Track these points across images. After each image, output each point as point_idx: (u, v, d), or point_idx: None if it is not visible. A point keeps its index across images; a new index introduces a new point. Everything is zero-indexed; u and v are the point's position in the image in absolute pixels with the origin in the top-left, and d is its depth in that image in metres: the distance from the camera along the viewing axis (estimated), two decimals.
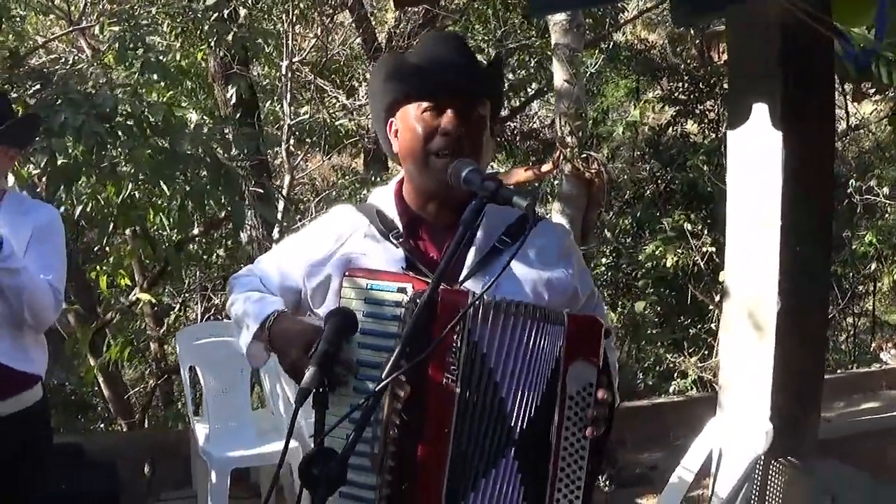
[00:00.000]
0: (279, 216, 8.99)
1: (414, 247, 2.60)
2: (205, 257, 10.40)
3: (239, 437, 6.61)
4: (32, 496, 4.12)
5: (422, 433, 2.35)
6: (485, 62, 2.80)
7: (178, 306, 11.15)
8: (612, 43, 13.81)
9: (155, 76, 7.31)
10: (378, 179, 10.51)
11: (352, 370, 2.37)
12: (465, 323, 2.35)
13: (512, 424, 2.38)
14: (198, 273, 10.84)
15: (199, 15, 8.07)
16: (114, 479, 7.11)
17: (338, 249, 2.62)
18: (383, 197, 2.71)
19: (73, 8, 9.44)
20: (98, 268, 8.17)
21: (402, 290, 2.40)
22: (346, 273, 2.48)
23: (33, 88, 6.68)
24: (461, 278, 2.53)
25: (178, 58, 8.82)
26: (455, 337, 2.35)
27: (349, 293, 2.45)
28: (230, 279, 2.96)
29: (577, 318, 2.45)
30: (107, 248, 8.37)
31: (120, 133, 6.37)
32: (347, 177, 12.62)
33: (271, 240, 8.88)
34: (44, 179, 6.71)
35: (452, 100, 2.52)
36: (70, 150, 6.28)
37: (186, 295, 11.25)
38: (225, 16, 8.66)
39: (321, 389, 2.21)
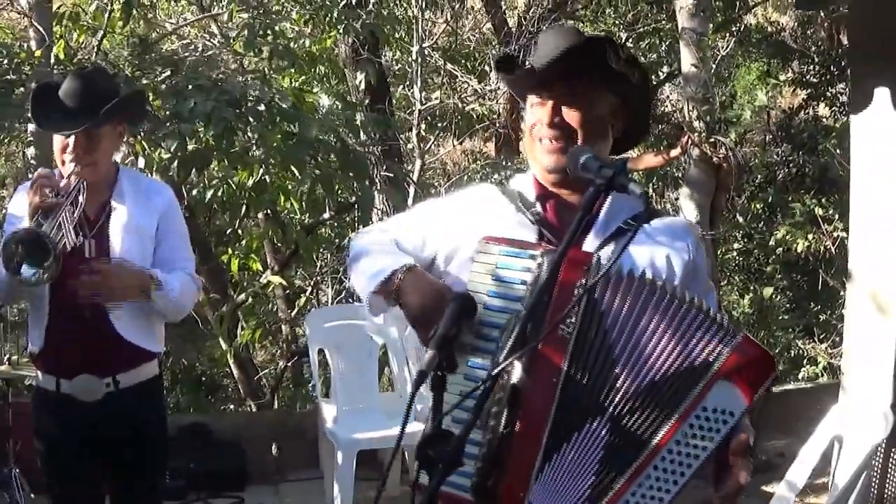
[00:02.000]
0: (409, 201, 9.05)
1: (547, 222, 2.63)
2: (336, 241, 10.51)
3: (366, 418, 6.67)
4: (157, 473, 4.24)
5: (526, 394, 2.35)
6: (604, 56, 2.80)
7: (308, 289, 11.28)
8: (742, 26, 13.57)
9: (284, 62, 7.41)
10: (509, 163, 10.51)
11: (467, 353, 2.37)
12: (586, 283, 2.36)
13: (614, 398, 2.34)
14: (329, 256, 10.96)
15: (328, 2, 8.13)
16: (241, 459, 7.26)
17: (474, 219, 2.65)
18: (524, 180, 2.78)
19: None
20: (230, 251, 8.32)
21: (532, 257, 2.43)
22: (482, 240, 2.51)
23: (163, 75, 6.81)
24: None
25: (307, 44, 8.91)
26: (574, 300, 2.35)
27: (482, 258, 2.48)
28: (356, 234, 3.00)
29: (755, 345, 2.39)
30: (238, 232, 8.52)
31: (250, 118, 6.46)
32: (478, 161, 12.65)
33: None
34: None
35: (555, 92, 2.60)
36: (201, 136, 6.40)
37: (318, 278, 11.38)
38: (354, 2, 8.73)
39: (439, 372, 2.24)
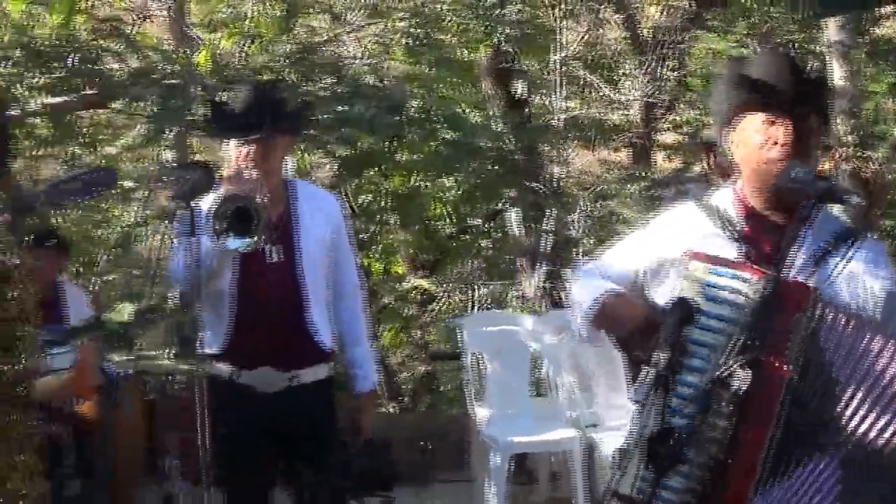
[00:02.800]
0: (548, 210, 9.10)
1: (751, 241, 2.68)
2: (477, 246, 10.58)
3: (517, 423, 6.73)
4: (333, 469, 4.35)
5: (749, 414, 2.41)
6: (813, 76, 2.87)
7: (445, 294, 11.35)
8: (872, 38, 13.35)
9: (444, 71, 7.51)
10: (644, 174, 10.49)
11: (687, 356, 2.45)
12: (811, 317, 2.43)
13: (841, 430, 2.42)
14: (471, 262, 11.02)
15: (483, 12, 8.21)
16: (389, 460, 7.36)
17: (678, 241, 2.72)
18: (724, 197, 2.82)
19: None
20: (370, 255, 8.45)
21: (740, 278, 2.49)
22: (688, 256, 2.58)
23: (326, 81, 6.95)
24: (792, 273, 2.59)
25: (459, 53, 9.01)
26: (797, 329, 2.42)
27: (689, 276, 2.55)
28: (574, 268, 3.12)
29: None
30: (378, 237, 8.65)
31: (410, 125, 6.58)
32: (613, 172, 12.64)
33: (539, 232, 9.00)
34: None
35: (787, 114, 2.65)
36: (361, 142, 6.54)
37: (454, 283, 11.44)
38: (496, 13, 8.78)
39: (665, 374, 2.33)
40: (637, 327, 2.57)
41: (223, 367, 4.13)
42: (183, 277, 3.95)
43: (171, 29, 11.16)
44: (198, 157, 7.34)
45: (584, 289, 2.82)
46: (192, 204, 3.48)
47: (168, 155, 12.28)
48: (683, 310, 2.44)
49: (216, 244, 3.81)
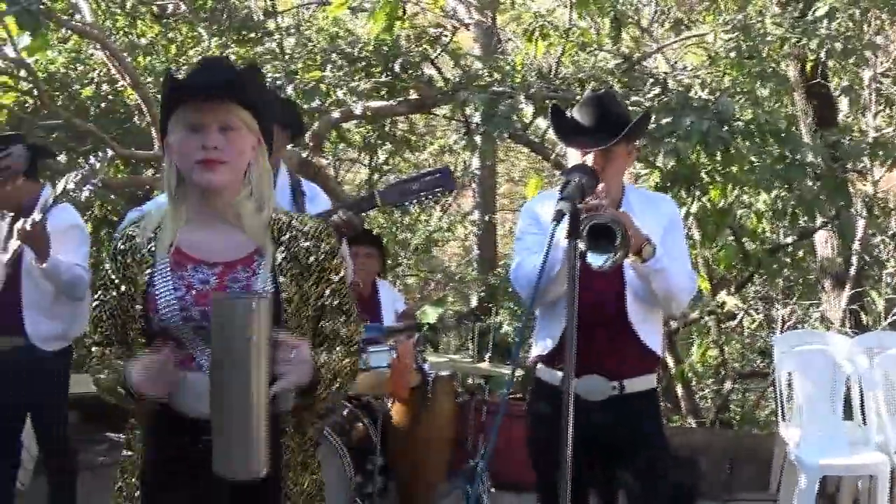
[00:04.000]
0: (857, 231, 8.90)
1: None
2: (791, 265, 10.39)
3: (827, 445, 6.56)
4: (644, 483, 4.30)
5: None
6: None
7: (744, 312, 11.22)
8: None
9: (768, 83, 7.43)
10: None
11: None
12: None
13: None
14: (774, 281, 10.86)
15: (805, 26, 8.04)
16: (696, 474, 7.32)
17: None
18: None
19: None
20: None
21: None
22: None
23: (652, 92, 6.97)
24: None
25: (779, 67, 8.89)
26: None
27: None
28: None
29: None
30: None
31: (739, 138, 6.54)
32: None
33: (848, 253, 8.80)
34: None
35: None
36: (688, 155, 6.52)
37: (755, 301, 11.29)
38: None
39: None
40: None
41: (550, 373, 4.15)
42: (532, 282, 4.02)
43: (485, 37, 11.48)
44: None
45: None
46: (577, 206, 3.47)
47: (475, 161, 12.65)
48: None
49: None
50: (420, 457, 6.25)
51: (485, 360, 6.50)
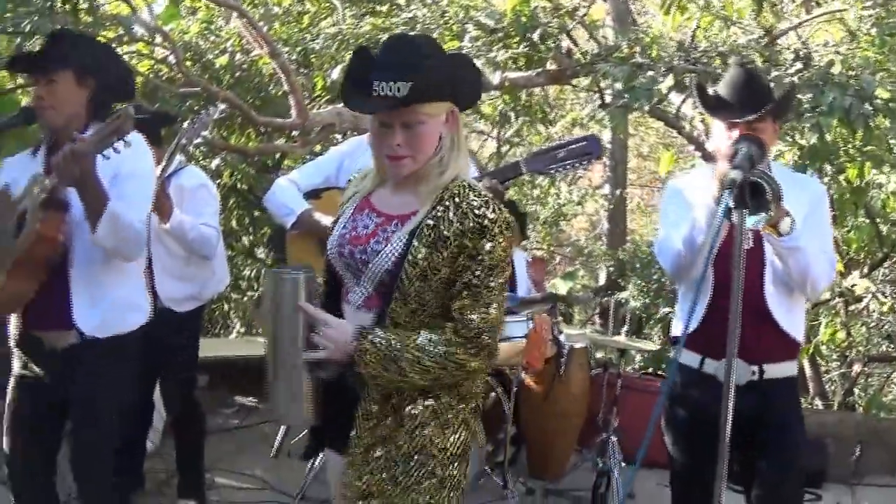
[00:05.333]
0: None
1: None
2: None
3: None
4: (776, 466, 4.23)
5: None
6: None
7: (870, 296, 10.99)
8: None
9: None
10: None
11: None
12: None
13: None
14: None
15: None
16: (824, 457, 7.25)
17: None
18: None
19: None
20: None
21: None
22: None
23: (794, 68, 6.87)
24: None
25: None
26: None
27: None
28: None
29: None
30: None
31: (880, 116, 6.42)
32: None
33: None
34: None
35: None
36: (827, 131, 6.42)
37: (883, 283, 11.05)
38: None
39: None
40: None
41: (689, 354, 4.13)
42: (676, 256, 4.02)
43: (618, 9, 11.42)
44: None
45: None
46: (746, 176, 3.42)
47: (605, 135, 12.58)
48: None
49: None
50: (552, 428, 6.29)
51: (620, 334, 6.51)
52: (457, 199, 2.96)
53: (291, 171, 10.03)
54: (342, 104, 8.09)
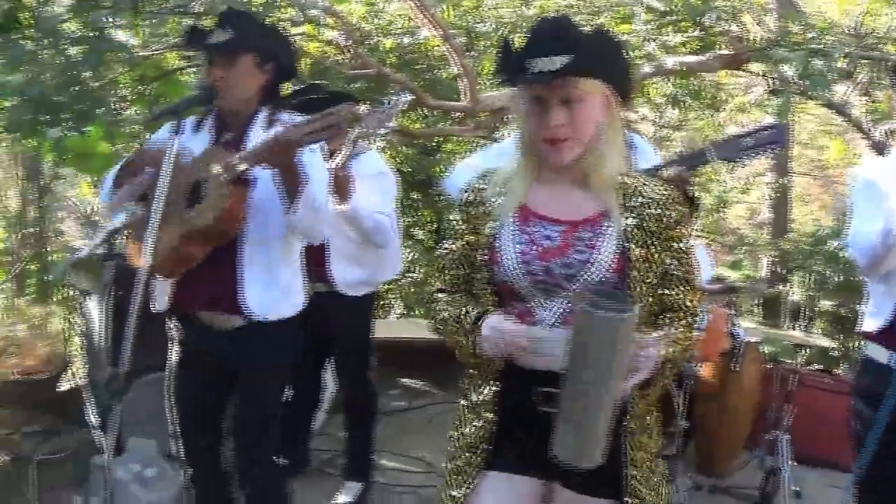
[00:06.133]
0: None
1: None
2: None
3: None
4: None
5: None
6: None
7: None
8: None
9: None
10: None
11: None
12: None
13: None
14: None
15: None
16: None
17: None
18: None
19: None
20: None
21: None
22: None
23: None
24: None
25: None
26: None
27: None
28: None
29: None
30: None
31: None
32: None
33: None
34: None
35: None
36: None
37: None
38: None
39: None
40: None
41: (880, 350, 3.95)
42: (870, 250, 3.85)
43: None
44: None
45: None
46: None
47: (769, 119, 12.28)
48: None
49: None
50: (723, 422, 6.16)
51: (794, 328, 6.33)
52: (645, 195, 2.91)
53: (452, 154, 10.04)
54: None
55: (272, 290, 4.12)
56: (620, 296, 2.74)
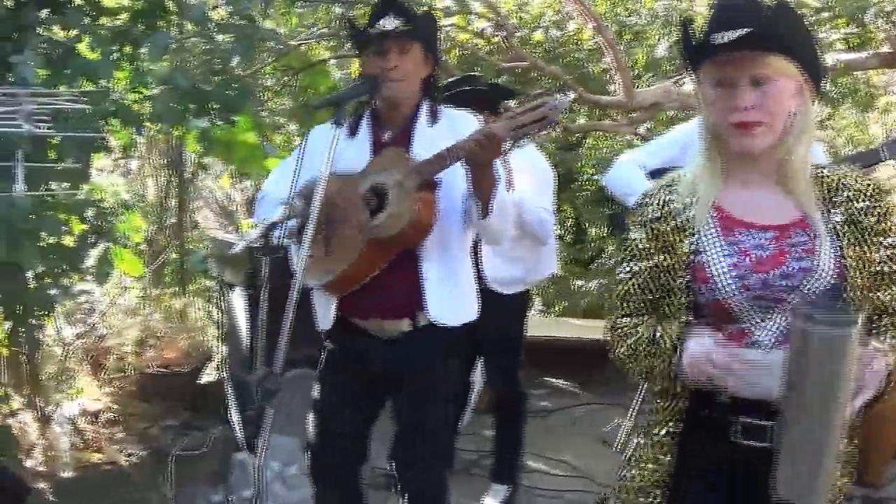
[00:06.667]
0: None
1: None
2: None
3: None
4: None
5: None
6: None
7: None
8: None
9: None
10: None
11: None
12: None
13: None
14: None
15: None
16: None
17: None
18: None
19: None
20: None
21: None
22: None
23: None
24: None
25: None
26: None
27: None
28: None
29: None
30: None
31: None
32: None
33: None
34: None
35: None
36: None
37: None
38: None
39: None
40: None
41: None
42: None
43: None
44: None
45: None
46: None
47: None
48: None
49: None
50: (872, 433, 5.99)
51: None
52: (850, 187, 2.65)
53: (592, 149, 9.95)
54: (669, 81, 7.95)
55: (455, 295, 3.96)
56: (840, 306, 2.51)
